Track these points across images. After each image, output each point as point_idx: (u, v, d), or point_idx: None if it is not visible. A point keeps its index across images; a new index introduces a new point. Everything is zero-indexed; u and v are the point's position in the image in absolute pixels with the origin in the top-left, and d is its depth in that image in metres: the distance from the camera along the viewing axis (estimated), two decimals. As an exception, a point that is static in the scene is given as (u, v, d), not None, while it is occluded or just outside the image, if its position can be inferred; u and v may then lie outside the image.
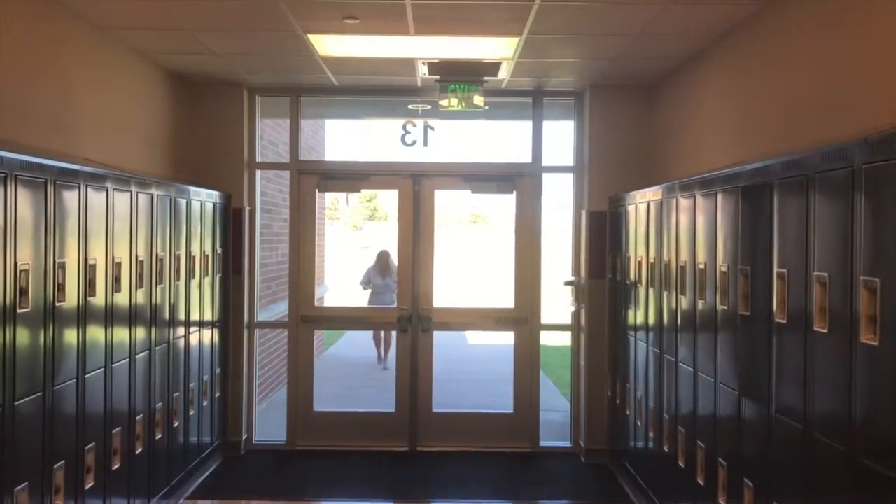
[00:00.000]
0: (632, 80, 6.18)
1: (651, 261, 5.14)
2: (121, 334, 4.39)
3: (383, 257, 10.32)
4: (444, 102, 6.00)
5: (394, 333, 7.77)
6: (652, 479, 5.17)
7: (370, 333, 10.99)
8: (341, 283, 12.16)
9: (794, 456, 3.09)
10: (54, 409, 3.64)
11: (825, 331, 2.84)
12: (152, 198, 4.85)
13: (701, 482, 4.13)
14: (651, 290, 5.14)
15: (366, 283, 10.34)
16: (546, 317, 6.89)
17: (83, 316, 3.92)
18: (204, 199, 5.84)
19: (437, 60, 5.62)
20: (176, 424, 5.30)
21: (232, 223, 6.47)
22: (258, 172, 6.84)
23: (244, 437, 6.61)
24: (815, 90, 3.67)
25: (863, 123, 3.05)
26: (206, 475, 5.96)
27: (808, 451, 2.97)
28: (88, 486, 3.99)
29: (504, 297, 7.14)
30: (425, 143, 6.75)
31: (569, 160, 6.78)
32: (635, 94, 6.39)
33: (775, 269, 3.25)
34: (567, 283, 6.77)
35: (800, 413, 3.03)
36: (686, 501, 4.42)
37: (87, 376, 3.97)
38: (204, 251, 5.82)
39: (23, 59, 4.00)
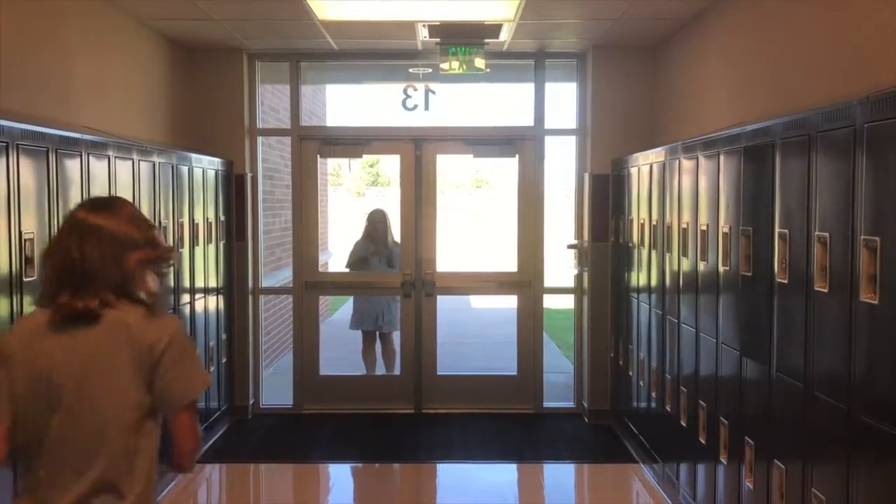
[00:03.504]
0: (635, 40, 6.13)
1: (654, 223, 5.14)
2: (126, 302, 4.41)
3: (377, 222, 7.31)
4: (445, 66, 5.96)
5: (397, 338, 7.13)
6: (654, 439, 5.24)
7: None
8: (345, 248, 12.15)
9: (794, 414, 3.12)
10: (63, 376, 3.68)
11: (826, 290, 2.86)
12: (154, 165, 4.85)
13: (703, 441, 4.18)
14: (653, 252, 5.15)
15: (357, 261, 7.32)
16: (549, 280, 6.91)
17: (89, 284, 3.95)
18: (206, 167, 5.83)
19: (437, 23, 5.57)
20: (183, 390, 5.34)
21: (234, 190, 6.47)
22: (259, 139, 6.82)
23: (251, 402, 6.69)
24: (818, 49, 3.64)
25: (865, 82, 3.03)
26: (215, 439, 6.05)
27: (809, 409, 3.00)
28: (99, 450, 4.04)
29: (507, 260, 7.15)
30: (426, 108, 6.70)
31: (571, 123, 6.75)
32: (638, 55, 6.33)
33: (777, 230, 3.26)
34: (570, 247, 6.78)
35: (800, 372, 3.06)
36: (688, 460, 4.48)
37: (94, 343, 4.00)
38: (207, 218, 5.83)
39: (20, 27, 3.98)
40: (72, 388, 2.05)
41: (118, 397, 2.07)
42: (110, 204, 2.21)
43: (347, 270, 7.47)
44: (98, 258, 2.06)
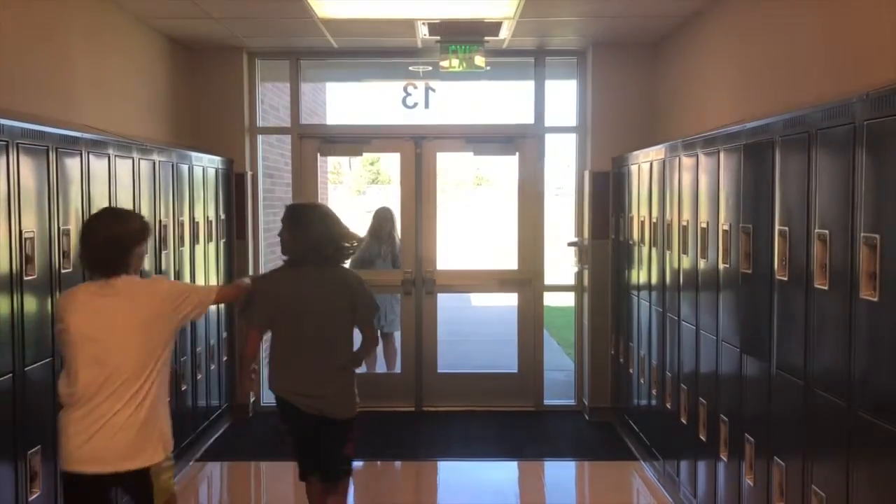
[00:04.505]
0: (635, 38, 6.12)
1: (654, 220, 5.14)
2: (127, 300, 4.42)
3: (384, 220, 7.19)
4: (444, 63, 5.96)
5: (398, 338, 7.13)
6: (655, 436, 5.24)
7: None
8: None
9: (794, 411, 3.12)
10: (64, 375, 3.68)
11: (826, 287, 2.86)
12: (154, 164, 4.85)
13: (703, 438, 4.19)
14: (654, 250, 5.15)
15: (361, 263, 6.94)
16: (549, 278, 6.91)
17: (89, 282, 3.95)
18: (206, 165, 5.83)
19: (437, 20, 5.57)
20: (184, 388, 5.36)
21: (234, 189, 6.47)
22: (259, 137, 6.82)
23: (252, 401, 6.69)
24: (818, 46, 3.64)
25: (865, 79, 3.03)
26: (216, 437, 6.05)
27: (808, 406, 3.00)
28: (100, 449, 4.05)
29: (507, 258, 7.15)
30: (427, 106, 6.70)
31: (572, 120, 6.75)
32: (638, 52, 6.32)
33: (777, 227, 3.26)
34: (570, 244, 6.78)
35: (800, 369, 3.06)
36: (688, 457, 4.49)
37: (95, 342, 4.00)
38: (207, 217, 5.83)
39: (20, 26, 3.98)
40: (316, 307, 3.67)
41: (341, 314, 3.73)
42: (315, 207, 4.09)
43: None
44: (320, 237, 3.75)
